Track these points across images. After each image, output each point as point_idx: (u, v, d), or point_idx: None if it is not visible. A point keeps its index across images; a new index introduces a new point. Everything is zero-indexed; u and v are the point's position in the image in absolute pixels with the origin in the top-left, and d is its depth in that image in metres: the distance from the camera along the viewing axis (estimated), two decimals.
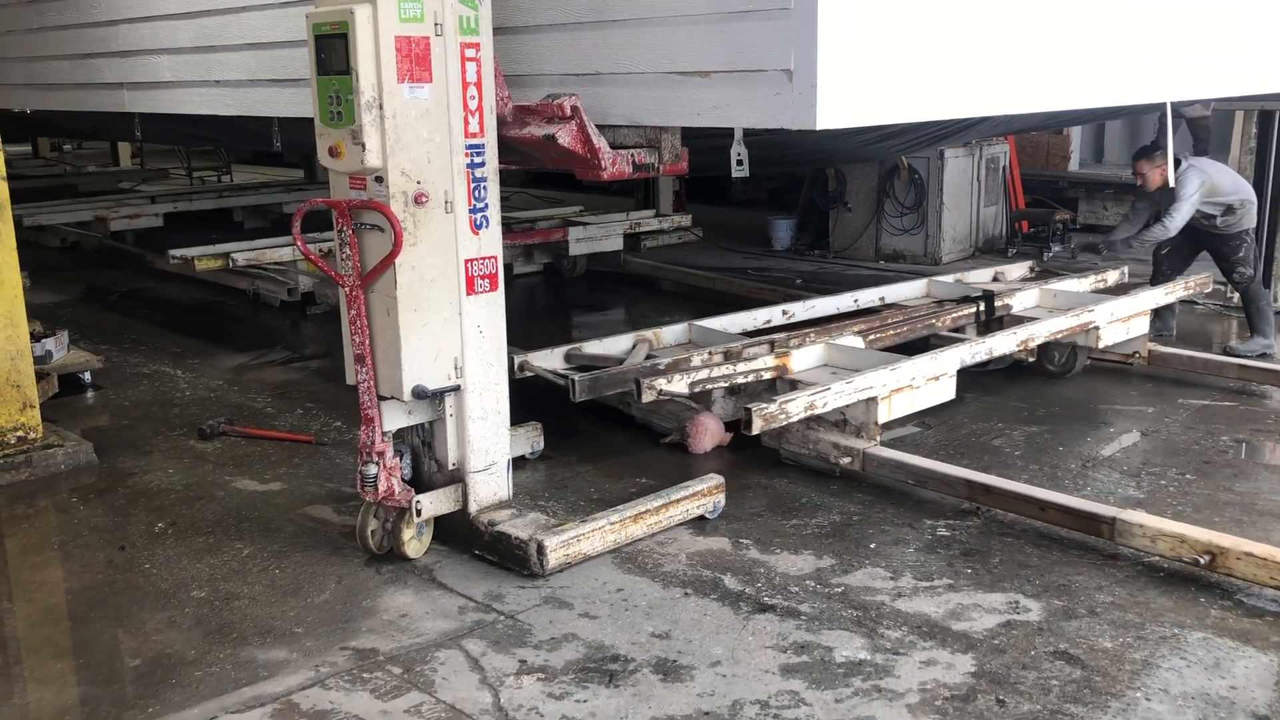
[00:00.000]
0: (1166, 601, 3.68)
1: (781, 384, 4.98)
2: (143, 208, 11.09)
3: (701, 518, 4.35)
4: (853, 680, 3.25)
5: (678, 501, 4.26)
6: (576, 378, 4.82)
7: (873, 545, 4.14)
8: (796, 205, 10.98)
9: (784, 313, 6.29)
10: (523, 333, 6.44)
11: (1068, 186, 11.13)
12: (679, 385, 4.69)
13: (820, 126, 3.51)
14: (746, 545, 4.16)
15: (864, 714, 3.08)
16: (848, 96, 3.58)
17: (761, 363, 4.99)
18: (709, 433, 5.07)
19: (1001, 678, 3.24)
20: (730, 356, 5.10)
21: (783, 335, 5.59)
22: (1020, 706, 3.10)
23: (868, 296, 6.62)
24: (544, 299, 9.05)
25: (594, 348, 5.37)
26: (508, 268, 8.54)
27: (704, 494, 4.35)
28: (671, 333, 5.71)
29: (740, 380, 4.93)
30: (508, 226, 8.49)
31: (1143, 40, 4.88)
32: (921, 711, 3.08)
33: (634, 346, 5.41)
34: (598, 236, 9.16)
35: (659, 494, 4.26)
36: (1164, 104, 5.78)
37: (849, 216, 10.07)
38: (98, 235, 10.74)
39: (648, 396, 4.62)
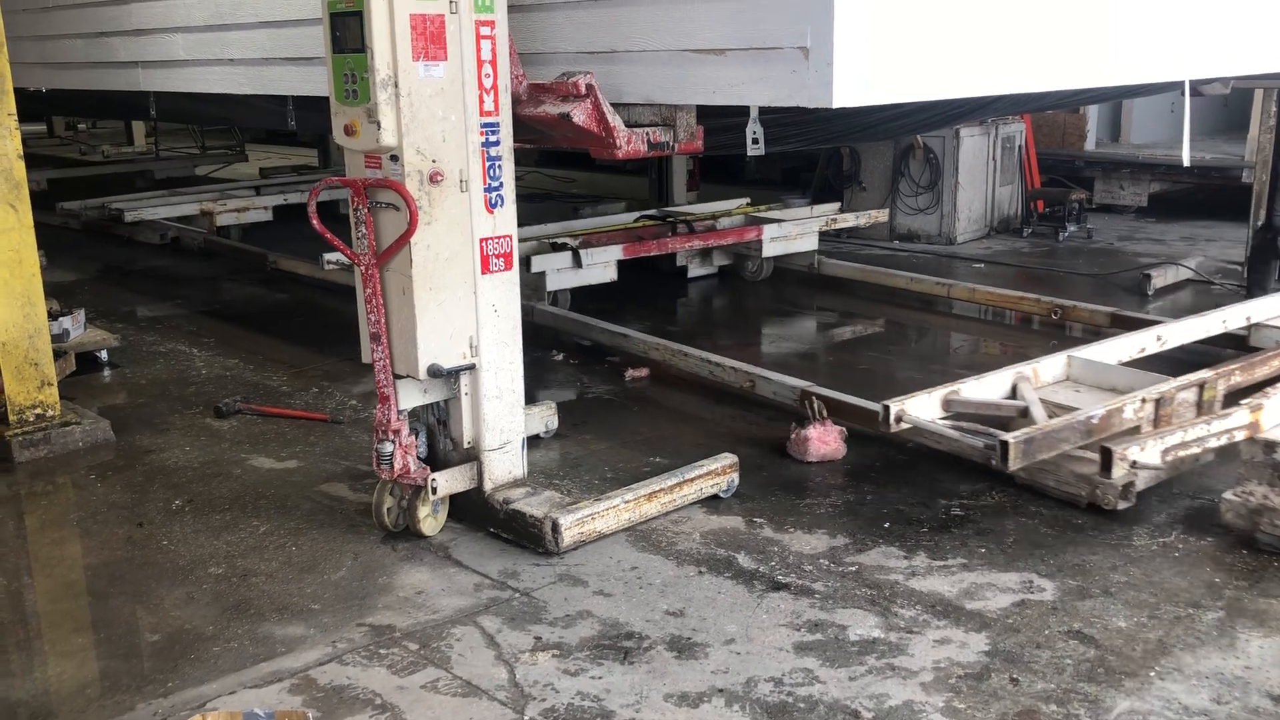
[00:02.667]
0: (1181, 582, 3.67)
1: (1249, 446, 4.02)
2: (250, 200, 10.46)
3: (715, 496, 4.35)
4: (866, 659, 3.26)
5: (691, 480, 4.27)
6: (1010, 440, 3.92)
7: (886, 524, 4.15)
8: (810, 185, 10.94)
9: (1158, 339, 5.55)
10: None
11: (1084, 166, 11.05)
12: (1151, 455, 3.97)
13: (837, 104, 3.49)
14: (760, 524, 4.17)
15: (877, 691, 3.09)
16: (864, 74, 3.56)
17: (1235, 420, 4.17)
18: (811, 444, 4.81)
19: (1015, 656, 3.25)
20: (1163, 404, 4.34)
21: (1207, 375, 4.60)
22: (1034, 685, 3.11)
23: (1235, 317, 5.95)
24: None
25: (973, 391, 4.61)
26: (681, 271, 8.15)
27: (718, 473, 4.36)
28: (1050, 368, 4.87)
29: (1213, 445, 4.15)
30: (689, 227, 7.96)
31: (1161, 17, 4.83)
32: (935, 690, 3.09)
33: (1014, 387, 4.68)
34: (791, 235, 8.09)
35: (673, 473, 4.27)
36: (1182, 82, 5.72)
37: (864, 196, 10.03)
38: (201, 231, 10.01)
39: (1119, 471, 3.91)
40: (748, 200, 9.17)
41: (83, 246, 10.13)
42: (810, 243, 8.20)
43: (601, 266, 7.17)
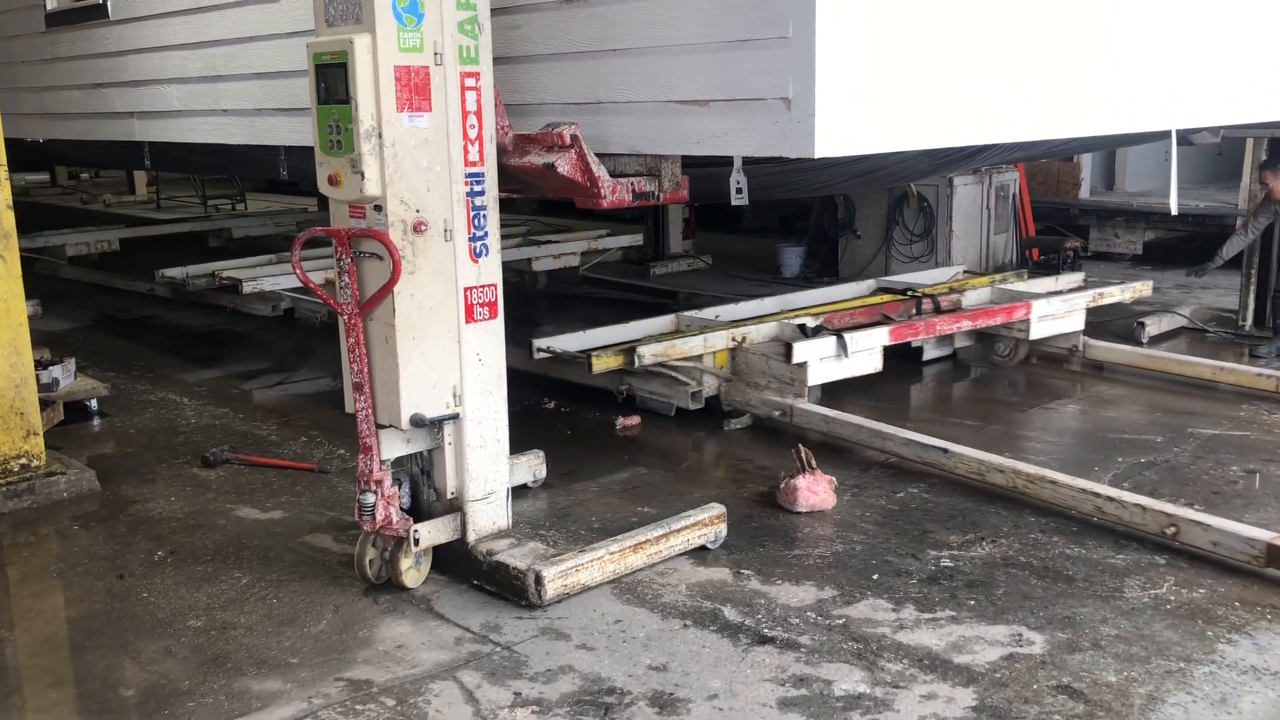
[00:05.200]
0: (1172, 635, 3.62)
1: None
2: None
3: (703, 547, 4.31)
4: (851, 714, 3.20)
5: (678, 531, 4.23)
6: None
7: (875, 576, 4.10)
8: (805, 233, 10.98)
9: None
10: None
11: (1079, 214, 11.09)
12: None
13: (818, 155, 3.50)
14: (747, 575, 4.12)
15: None
16: (846, 125, 3.57)
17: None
18: (800, 494, 4.72)
19: (1003, 712, 3.19)
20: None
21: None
22: None
23: None
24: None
25: None
26: (914, 353, 6.96)
27: (705, 524, 4.31)
28: None
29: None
30: (935, 303, 6.81)
31: (1149, 68, 4.86)
32: None
33: None
34: (1059, 314, 6.87)
35: (659, 523, 4.23)
36: (1170, 132, 5.75)
37: (858, 244, 10.05)
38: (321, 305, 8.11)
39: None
40: (963, 269, 8.32)
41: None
42: (1076, 322, 6.98)
43: (865, 354, 6.03)
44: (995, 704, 3.23)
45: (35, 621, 3.99)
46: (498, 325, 4.00)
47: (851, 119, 3.59)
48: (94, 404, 6.34)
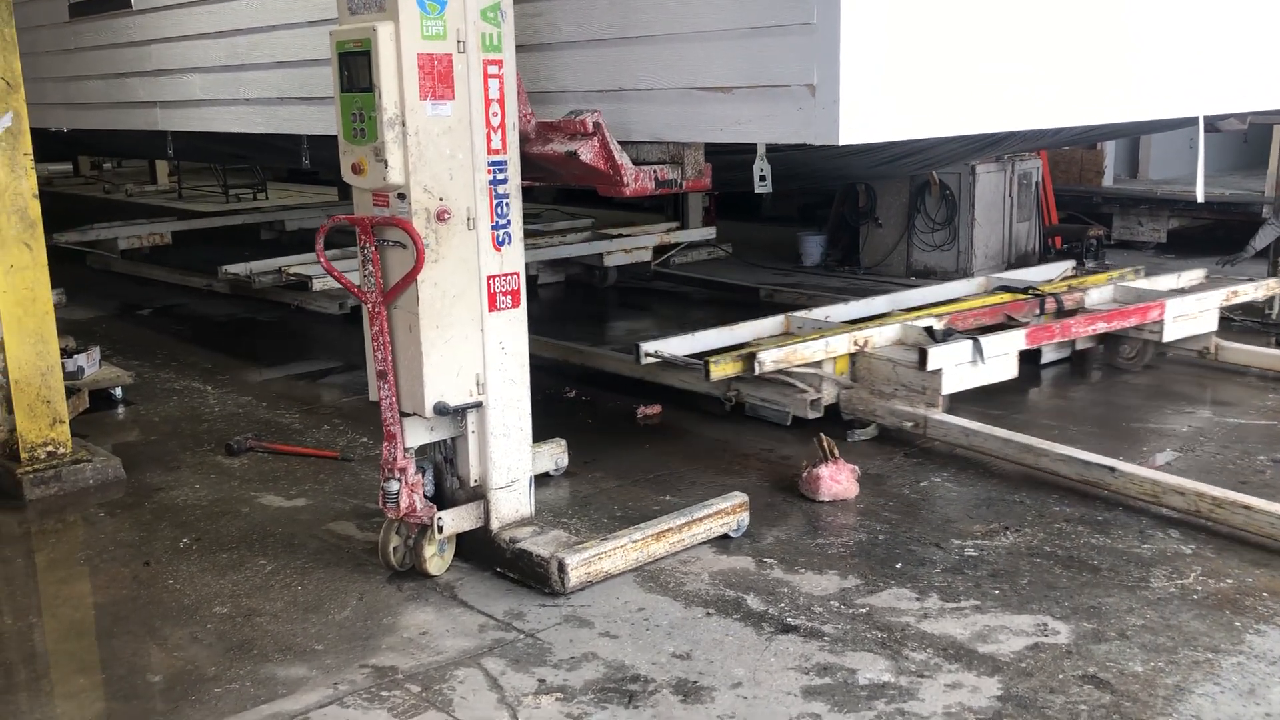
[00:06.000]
0: (1200, 625, 3.59)
1: None
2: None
3: (725, 536, 4.30)
4: (876, 703, 3.19)
5: (701, 520, 4.22)
6: None
7: (898, 565, 4.09)
8: (827, 221, 10.94)
9: None
10: None
11: (1102, 202, 11.00)
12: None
13: (843, 141, 3.48)
14: (770, 564, 4.12)
15: None
16: (871, 111, 3.55)
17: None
18: (822, 483, 4.68)
19: (1028, 702, 3.18)
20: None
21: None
22: None
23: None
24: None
25: None
26: (1032, 355, 6.34)
27: (727, 512, 4.31)
28: None
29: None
30: (1058, 302, 6.43)
31: (1176, 53, 4.81)
32: None
33: None
34: (1193, 314, 6.37)
35: (682, 512, 4.23)
36: (1198, 118, 5.69)
37: (880, 232, 10.01)
38: None
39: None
40: (1070, 265, 7.84)
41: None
42: (1209, 322, 6.51)
43: (1001, 360, 5.59)
44: (1021, 693, 3.22)
45: (63, 607, 4.03)
46: (520, 313, 4.00)
47: (876, 105, 3.57)
48: (119, 392, 6.38)
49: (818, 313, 6.38)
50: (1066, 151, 11.31)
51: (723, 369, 5.40)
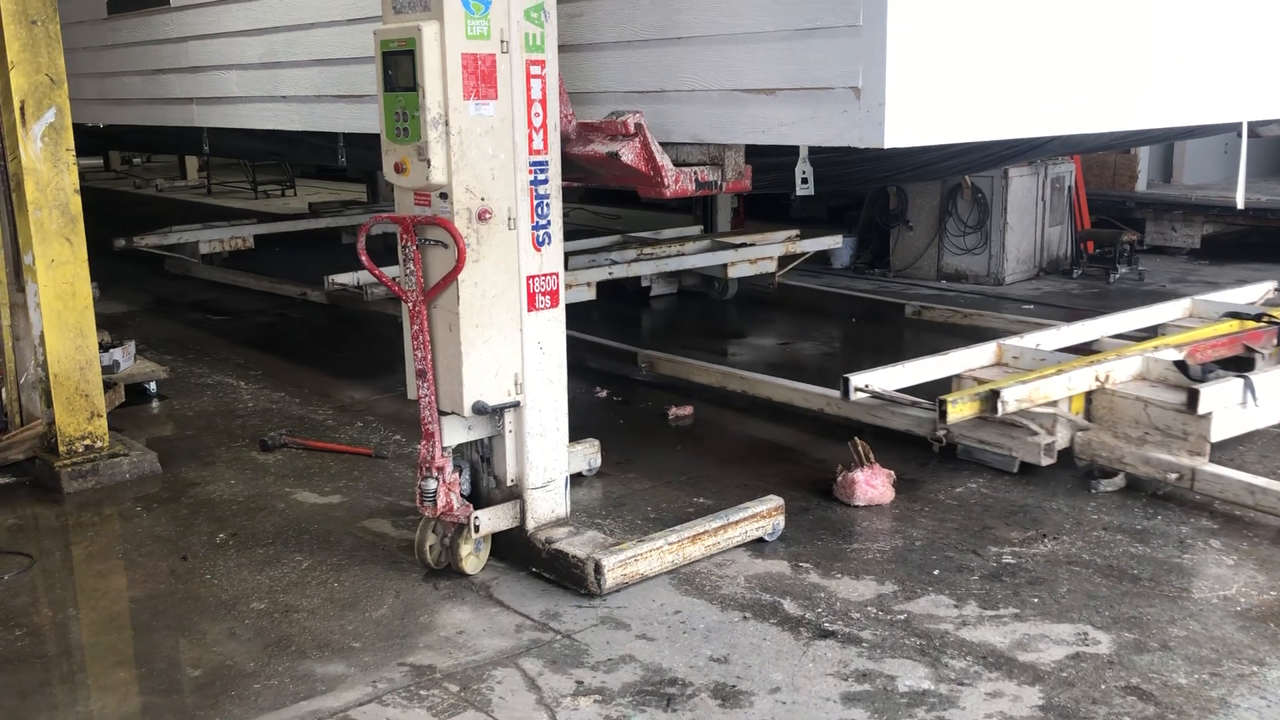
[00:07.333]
0: (1244, 638, 3.55)
1: None
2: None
3: (760, 540, 4.29)
4: (916, 710, 3.17)
5: (736, 523, 4.21)
6: None
7: (936, 572, 4.06)
8: (856, 223, 10.89)
9: None
10: None
11: (1135, 207, 10.91)
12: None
13: (888, 145, 3.46)
14: (806, 569, 4.10)
15: None
16: (916, 115, 3.53)
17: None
18: (858, 488, 4.64)
19: (1071, 712, 3.15)
20: None
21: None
22: None
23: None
24: None
25: None
26: None
27: (763, 516, 4.29)
28: None
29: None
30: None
31: (1217, 57, 4.76)
32: None
33: None
34: None
35: (717, 515, 4.21)
36: (1239, 124, 5.63)
37: (910, 235, 9.96)
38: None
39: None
40: (1274, 286, 6.85)
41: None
42: None
43: (1276, 401, 4.99)
44: (1063, 703, 3.19)
45: (101, 601, 4.05)
46: (559, 314, 4.00)
47: (921, 109, 3.54)
48: (153, 386, 6.43)
49: (1029, 339, 5.75)
50: (1099, 156, 11.23)
51: (960, 409, 4.75)
